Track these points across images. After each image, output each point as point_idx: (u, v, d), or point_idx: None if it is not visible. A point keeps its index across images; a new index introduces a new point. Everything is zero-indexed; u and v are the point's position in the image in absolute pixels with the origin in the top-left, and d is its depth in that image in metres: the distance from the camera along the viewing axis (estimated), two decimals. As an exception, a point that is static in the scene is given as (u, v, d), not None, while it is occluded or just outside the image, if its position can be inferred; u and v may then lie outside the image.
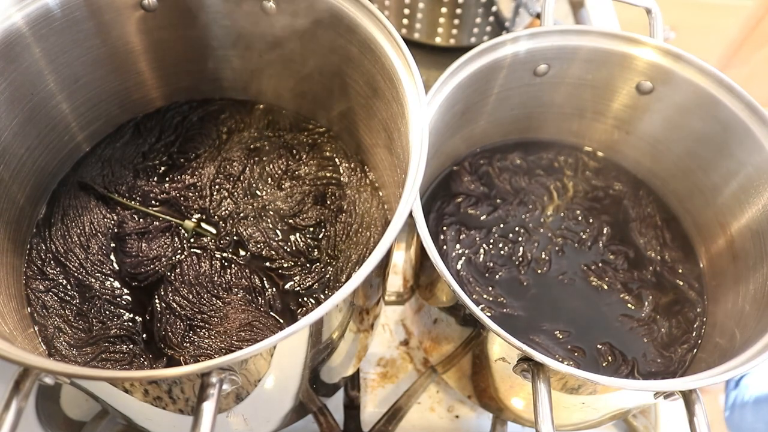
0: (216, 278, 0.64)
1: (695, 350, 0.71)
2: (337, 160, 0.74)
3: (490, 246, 0.76)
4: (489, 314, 0.70)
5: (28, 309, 0.62)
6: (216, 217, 0.69)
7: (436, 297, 0.64)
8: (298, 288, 0.64)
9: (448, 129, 0.73)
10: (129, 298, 0.63)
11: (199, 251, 0.66)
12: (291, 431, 0.69)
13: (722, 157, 0.71)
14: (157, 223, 0.68)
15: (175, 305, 0.62)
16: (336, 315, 0.52)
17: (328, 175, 0.73)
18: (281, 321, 0.63)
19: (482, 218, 0.78)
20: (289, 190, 0.71)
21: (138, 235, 0.67)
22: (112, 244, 0.66)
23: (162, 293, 0.63)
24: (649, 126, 0.78)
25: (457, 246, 0.75)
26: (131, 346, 0.60)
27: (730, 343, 0.65)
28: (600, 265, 0.76)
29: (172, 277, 0.64)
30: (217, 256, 0.66)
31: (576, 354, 0.68)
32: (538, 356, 0.50)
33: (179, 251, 0.66)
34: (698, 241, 0.78)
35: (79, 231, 0.66)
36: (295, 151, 0.74)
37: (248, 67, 0.74)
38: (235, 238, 0.67)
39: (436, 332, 0.69)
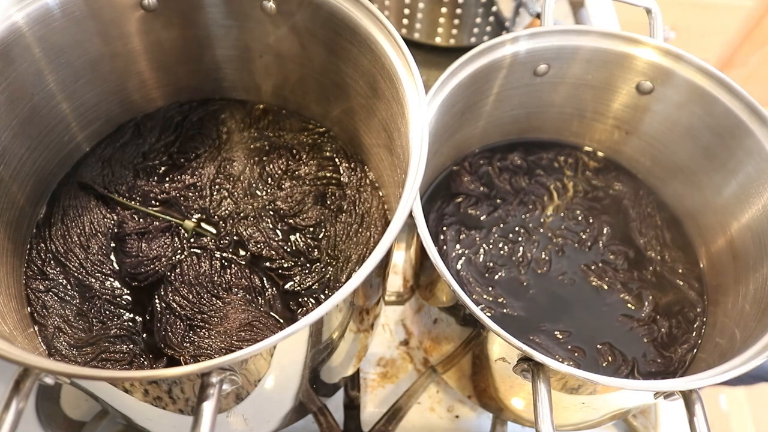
0: (216, 278, 0.64)
1: (695, 350, 0.71)
2: (337, 160, 0.74)
3: (490, 246, 0.76)
4: (489, 314, 0.70)
5: (28, 309, 0.62)
6: (216, 217, 0.69)
7: (436, 297, 0.64)
8: (298, 288, 0.64)
9: (448, 129, 0.73)
10: (129, 298, 0.63)
11: (199, 251, 0.66)
12: (291, 431, 0.69)
13: (722, 157, 0.72)
14: (157, 223, 0.68)
15: (175, 305, 0.62)
16: (336, 315, 0.52)
17: (328, 175, 0.73)
18: (281, 321, 0.63)
19: (482, 218, 0.78)
20: (289, 190, 0.71)
21: (138, 235, 0.67)
22: (112, 244, 0.66)
23: (162, 293, 0.63)
24: (649, 126, 0.78)
25: (457, 246, 0.75)
26: (131, 346, 0.60)
27: (730, 343, 0.65)
28: (600, 265, 0.76)
29: (172, 277, 0.64)
30: (217, 256, 0.66)
31: (576, 354, 0.68)
32: (538, 356, 0.50)
33: (179, 251, 0.66)
34: (698, 241, 0.78)
35: (79, 231, 0.66)
36: (295, 151, 0.74)
37: (248, 67, 0.74)
38: (235, 238, 0.67)
39: (436, 332, 0.69)
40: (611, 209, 0.81)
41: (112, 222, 0.67)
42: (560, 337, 0.69)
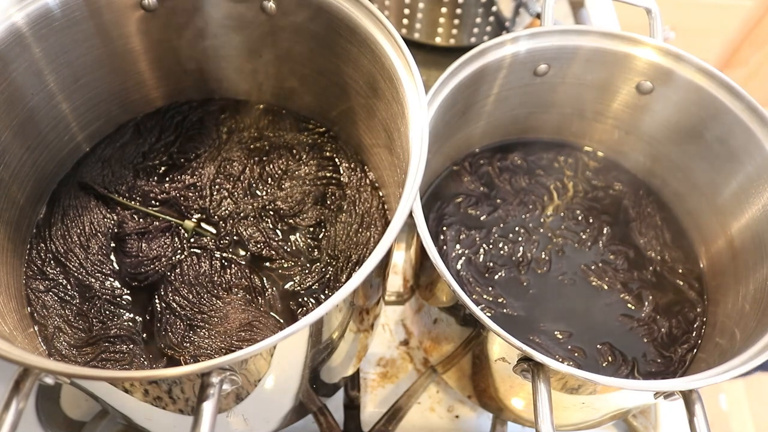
0: (216, 278, 0.64)
1: (695, 350, 0.71)
2: (337, 160, 0.74)
3: (490, 246, 0.76)
4: (489, 314, 0.70)
5: (28, 309, 0.62)
6: (216, 217, 0.69)
7: (436, 297, 0.64)
8: (298, 288, 0.64)
9: (448, 129, 0.73)
10: (129, 298, 0.63)
11: (199, 251, 0.66)
12: (291, 431, 0.69)
13: (722, 157, 0.71)
14: (157, 223, 0.68)
15: (175, 305, 0.62)
16: (336, 315, 0.52)
17: (328, 175, 0.73)
18: (281, 321, 0.63)
19: (482, 218, 0.78)
20: (289, 190, 0.71)
21: (138, 235, 0.67)
22: (112, 244, 0.66)
23: (162, 293, 0.63)
24: (649, 126, 0.78)
25: (457, 246, 0.75)
26: (131, 346, 0.60)
27: (730, 343, 0.65)
28: (600, 265, 0.76)
29: (172, 277, 0.64)
30: (217, 256, 0.66)
31: (576, 354, 0.68)
32: (538, 356, 0.50)
33: (179, 251, 0.66)
34: (698, 241, 0.78)
35: (79, 231, 0.66)
36: (295, 151, 0.74)
37: (248, 67, 0.74)
38: (235, 238, 0.67)
39: (436, 332, 0.69)
40: (611, 209, 0.81)
41: (112, 222, 0.67)
42: (560, 337, 0.69)
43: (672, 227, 0.80)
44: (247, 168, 0.72)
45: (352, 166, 0.73)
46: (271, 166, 0.73)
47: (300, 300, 0.64)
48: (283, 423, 0.64)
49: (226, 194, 0.70)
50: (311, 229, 0.69)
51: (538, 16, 0.95)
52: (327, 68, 0.68)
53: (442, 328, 0.66)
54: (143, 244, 0.66)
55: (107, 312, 0.62)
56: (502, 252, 0.76)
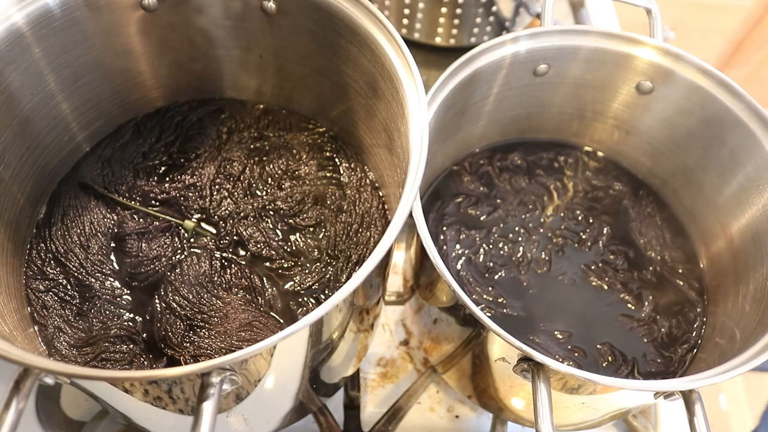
0: (216, 278, 0.64)
1: (695, 350, 0.71)
2: (337, 160, 0.74)
3: (490, 246, 0.76)
4: (489, 314, 0.70)
5: (28, 309, 0.62)
6: (216, 217, 0.69)
7: (436, 297, 0.64)
8: (298, 288, 0.64)
9: (448, 129, 0.73)
10: (129, 298, 0.63)
11: (199, 251, 0.66)
12: (291, 431, 0.69)
13: (722, 157, 0.72)
14: (157, 223, 0.68)
15: (175, 305, 0.62)
16: (336, 315, 0.52)
17: (328, 175, 0.73)
18: (281, 321, 0.63)
19: (482, 218, 0.78)
20: (289, 190, 0.71)
21: (138, 235, 0.67)
22: (112, 244, 0.66)
23: (162, 293, 0.63)
24: (649, 126, 0.78)
25: (457, 246, 0.75)
26: (131, 346, 0.60)
27: (730, 343, 0.65)
28: (600, 265, 0.76)
29: (172, 277, 0.64)
30: (217, 256, 0.66)
31: (576, 354, 0.68)
32: (538, 356, 0.50)
33: (179, 251, 0.66)
34: (698, 241, 0.78)
35: (79, 231, 0.66)
36: (295, 151, 0.74)
37: (248, 67, 0.74)
38: (235, 238, 0.67)
39: (436, 332, 0.69)
40: (611, 209, 0.81)
41: (112, 222, 0.67)
42: (560, 337, 0.69)
43: (672, 227, 0.80)
44: (247, 168, 0.72)
45: (352, 166, 0.73)
46: (271, 166, 0.73)
47: (300, 300, 0.64)
48: (283, 423, 0.64)
49: (226, 194, 0.70)
50: (311, 229, 0.69)
51: (538, 16, 0.95)
52: (327, 68, 0.68)
53: (442, 328, 0.66)
54: (143, 244, 0.66)
55: (107, 312, 0.62)
56: (502, 252, 0.76)
